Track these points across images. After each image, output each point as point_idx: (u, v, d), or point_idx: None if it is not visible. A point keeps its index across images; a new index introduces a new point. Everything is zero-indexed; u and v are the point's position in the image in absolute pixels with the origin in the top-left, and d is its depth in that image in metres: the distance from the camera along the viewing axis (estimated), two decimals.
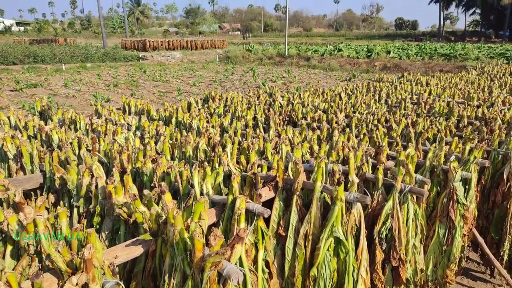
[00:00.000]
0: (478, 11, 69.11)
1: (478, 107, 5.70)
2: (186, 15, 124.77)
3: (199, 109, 5.73)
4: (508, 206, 3.62)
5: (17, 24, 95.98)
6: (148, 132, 4.24)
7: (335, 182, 2.58)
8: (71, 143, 3.56)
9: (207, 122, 4.79)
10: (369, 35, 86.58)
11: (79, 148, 3.53)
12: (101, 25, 40.70)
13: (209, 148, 3.47)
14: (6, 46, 29.62)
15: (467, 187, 3.27)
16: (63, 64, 23.50)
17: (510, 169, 3.62)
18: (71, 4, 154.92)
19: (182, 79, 19.27)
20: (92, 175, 2.63)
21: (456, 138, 3.67)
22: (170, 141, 3.68)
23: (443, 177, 3.24)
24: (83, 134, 4.29)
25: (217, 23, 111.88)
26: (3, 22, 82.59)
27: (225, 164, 2.88)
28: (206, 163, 2.81)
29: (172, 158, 3.44)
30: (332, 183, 2.88)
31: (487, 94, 6.60)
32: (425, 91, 6.93)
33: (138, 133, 4.36)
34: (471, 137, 3.86)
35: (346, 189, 2.68)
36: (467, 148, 3.42)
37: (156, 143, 3.80)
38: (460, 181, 3.16)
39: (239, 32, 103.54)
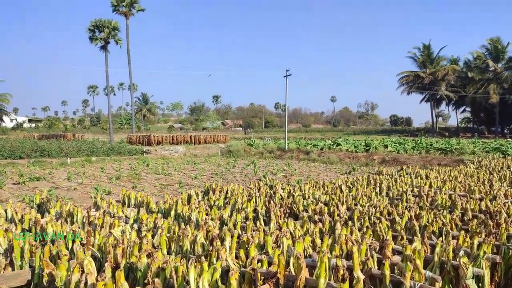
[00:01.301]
0: (468, 109, 72.84)
1: (480, 200, 5.64)
2: (191, 112, 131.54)
3: (199, 201, 5.68)
4: None
5: (29, 121, 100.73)
6: (146, 225, 4.15)
7: (339, 279, 2.44)
8: (65, 236, 3.46)
9: (207, 214, 4.71)
10: (366, 130, 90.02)
11: (73, 242, 3.41)
12: (109, 121, 42.65)
13: (207, 242, 3.36)
14: (15, 141, 30.67)
15: (480, 285, 3.07)
16: (68, 158, 24.02)
17: None
18: (83, 103, 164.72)
19: (184, 172, 19.50)
20: (83, 271, 2.50)
21: (462, 232, 3.57)
22: (168, 234, 3.57)
23: (454, 273, 3.06)
24: (79, 227, 4.19)
25: (220, 120, 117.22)
26: (16, 119, 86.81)
27: (223, 259, 2.75)
28: (203, 258, 2.68)
29: (169, 252, 3.30)
30: (337, 280, 2.71)
31: (488, 187, 6.60)
32: (425, 184, 6.94)
33: (135, 226, 4.26)
34: (478, 230, 3.75)
35: (351, 287, 2.51)
36: (475, 242, 3.30)
37: (153, 236, 3.69)
38: (473, 278, 2.98)
39: (241, 128, 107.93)
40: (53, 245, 3.05)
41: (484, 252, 3.19)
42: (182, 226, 3.94)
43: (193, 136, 41.37)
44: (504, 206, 4.97)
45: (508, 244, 3.63)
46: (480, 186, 6.60)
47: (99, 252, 3.15)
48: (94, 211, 5.17)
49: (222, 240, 3.34)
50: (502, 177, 7.92)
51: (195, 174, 18.20)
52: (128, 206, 5.67)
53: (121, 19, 45.20)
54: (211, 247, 3.09)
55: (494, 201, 5.30)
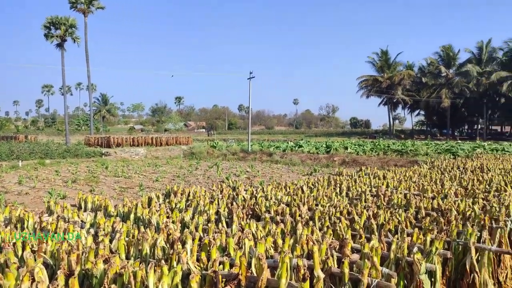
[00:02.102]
0: (422, 112, 76.54)
1: (433, 198, 5.93)
2: (153, 114, 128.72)
3: (160, 204, 5.56)
4: None
5: None
6: (103, 229, 4.00)
7: (300, 279, 2.46)
8: (14, 243, 3.26)
9: (168, 217, 4.62)
10: (327, 132, 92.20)
11: (23, 249, 3.22)
12: (66, 122, 40.84)
13: (168, 245, 3.29)
14: None
15: (433, 279, 3.22)
16: (20, 161, 22.74)
17: (472, 259, 3.65)
18: (36, 103, 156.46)
19: (145, 174, 19.05)
20: (34, 280, 2.36)
21: (416, 229, 3.73)
22: (127, 239, 3.46)
23: (408, 269, 3.19)
24: (30, 234, 3.97)
25: (183, 121, 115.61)
26: None
27: (184, 262, 2.70)
28: (163, 262, 2.62)
29: (128, 257, 3.20)
30: (298, 280, 2.74)
31: (440, 186, 6.94)
32: (383, 184, 7.19)
33: (92, 230, 4.09)
34: (430, 228, 3.94)
35: (312, 286, 2.55)
36: (428, 239, 3.45)
37: (111, 241, 3.56)
38: (426, 273, 3.12)
39: (204, 130, 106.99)
40: (0, 253, 2.87)
41: (436, 248, 3.34)
42: (142, 229, 3.84)
43: (155, 138, 40.50)
44: (454, 204, 5.25)
45: (458, 240, 3.83)
46: (432, 185, 6.94)
47: (51, 259, 3.00)
48: (47, 216, 4.92)
49: (183, 243, 3.28)
50: (453, 176, 8.37)
51: (156, 176, 17.82)
52: (85, 210, 5.45)
53: (79, 16, 43.37)
54: (172, 251, 3.03)
55: (445, 200, 5.59)
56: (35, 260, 2.73)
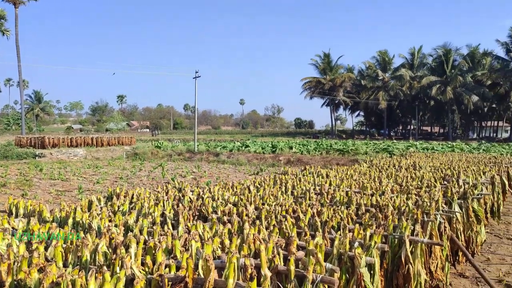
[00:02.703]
0: (362, 113, 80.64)
1: (372, 195, 6.26)
2: (93, 113, 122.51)
3: (101, 208, 5.31)
4: None
5: None
6: (38, 236, 3.73)
7: (247, 278, 2.48)
8: None
9: (110, 221, 4.42)
10: (273, 132, 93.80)
11: None
12: None
13: (110, 250, 3.15)
14: None
15: (372, 272, 3.40)
16: None
17: (406, 251, 3.91)
18: None
19: (85, 176, 18.09)
20: None
21: (357, 225, 3.92)
22: (64, 245, 3.26)
23: (350, 263, 3.34)
24: None
25: (125, 121, 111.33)
26: None
27: (127, 267, 2.61)
28: (105, 268, 2.51)
29: (66, 265, 3.02)
30: (245, 279, 2.76)
31: (378, 184, 7.35)
32: (326, 182, 7.46)
33: (25, 238, 3.80)
34: (369, 223, 4.16)
35: (259, 284, 2.58)
36: (368, 234, 3.64)
37: (46, 248, 3.33)
38: (366, 266, 3.29)
39: (148, 130, 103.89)
40: None
41: (375, 242, 3.54)
42: (82, 235, 3.64)
43: (95, 138, 38.59)
44: (391, 200, 5.59)
45: (394, 233, 4.08)
46: (371, 183, 7.33)
47: None
48: None
49: (127, 247, 3.16)
50: (389, 174, 8.91)
51: (97, 178, 17.01)
52: (16, 217, 5.04)
53: (10, 7, 40.24)
54: (115, 256, 2.91)
55: (383, 196, 5.93)
56: None
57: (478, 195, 6.78)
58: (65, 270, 2.68)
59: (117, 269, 2.70)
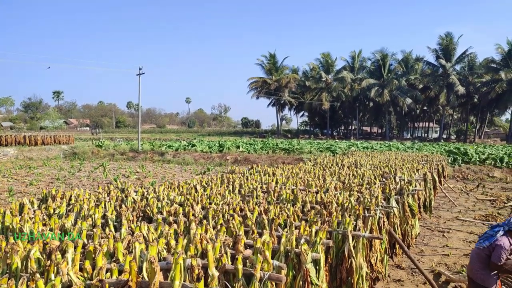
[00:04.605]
0: (306, 113, 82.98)
1: (316, 193, 6.44)
2: (25, 109, 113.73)
3: (34, 211, 4.92)
4: (353, 282, 3.97)
5: None
6: None
7: (194, 279, 2.42)
8: None
9: (44, 225, 4.11)
10: (220, 132, 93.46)
11: None
12: None
13: (45, 256, 2.92)
14: None
15: (317, 267, 3.48)
16: None
17: (349, 246, 4.06)
18: None
19: (16, 178, 16.76)
20: None
21: (303, 222, 3.99)
22: None
23: (296, 260, 3.40)
24: None
25: (63, 118, 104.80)
26: None
27: (64, 273, 2.43)
28: (38, 275, 2.32)
29: None
30: (192, 280, 2.70)
31: (322, 182, 7.58)
32: (272, 181, 7.56)
33: None
34: (315, 220, 4.26)
35: (206, 285, 2.53)
36: (313, 230, 3.73)
37: None
38: (312, 262, 3.36)
39: (88, 128, 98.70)
40: None
41: (320, 238, 3.63)
42: (12, 240, 3.34)
43: (28, 136, 35.90)
44: (335, 197, 5.79)
45: (338, 229, 4.22)
46: (316, 180, 7.54)
47: None
48: None
49: (64, 252, 2.95)
50: (333, 172, 9.23)
51: (30, 180, 15.83)
52: None
53: None
54: (49, 262, 2.70)
55: (327, 193, 6.12)
56: None
57: (412, 191, 7.24)
58: None
59: (52, 276, 2.51)
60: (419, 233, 8.35)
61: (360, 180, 7.91)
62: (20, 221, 4.11)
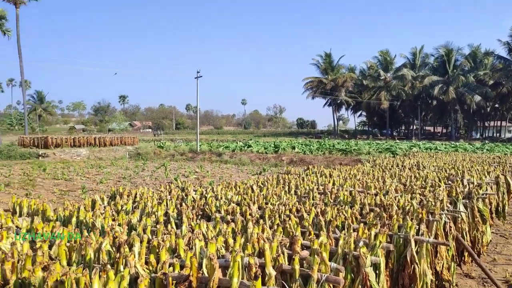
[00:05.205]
0: (364, 113, 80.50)
1: (375, 195, 6.23)
2: (95, 113, 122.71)
3: (104, 207, 5.30)
4: None
5: None
6: (42, 235, 3.72)
7: (252, 277, 2.46)
8: None
9: (113, 220, 4.41)
10: (275, 132, 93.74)
11: None
12: None
13: (114, 249, 3.14)
14: None
15: (377, 272, 3.37)
16: None
17: (412, 251, 3.88)
18: None
19: (88, 176, 18.12)
20: None
21: (361, 225, 3.89)
22: (68, 244, 3.25)
23: (355, 263, 3.32)
24: None
25: (128, 121, 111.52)
26: None
27: (131, 266, 2.59)
28: (109, 266, 2.49)
29: (70, 263, 3.01)
30: (249, 278, 2.74)
31: (382, 183, 7.32)
32: (329, 182, 7.43)
33: (28, 237, 3.79)
34: (374, 223, 4.13)
35: (263, 284, 2.56)
36: (372, 233, 3.61)
37: (50, 247, 3.32)
38: (371, 266, 3.27)
39: (150, 130, 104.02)
40: None
41: (380, 242, 3.51)
42: (85, 233, 3.63)
43: (98, 138, 38.61)
44: (395, 199, 5.56)
45: (399, 233, 4.05)
46: (375, 182, 7.30)
47: None
48: None
49: (131, 246, 3.15)
50: (393, 174, 8.87)
51: (100, 178, 17.03)
52: (20, 216, 5.05)
53: (10, 7, 40.26)
54: (118, 254, 2.89)
55: (387, 196, 5.90)
56: None
57: (483, 194, 6.74)
58: (69, 269, 2.66)
59: (121, 267, 2.69)
60: (491, 241, 7.74)
61: (423, 183, 7.52)
62: (92, 216, 4.44)
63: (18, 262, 2.66)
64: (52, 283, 2.35)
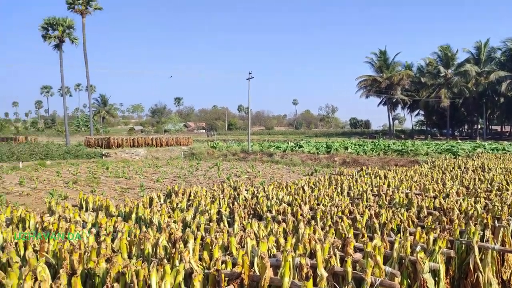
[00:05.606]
0: (422, 112, 76.58)
1: (434, 198, 5.91)
2: (152, 115, 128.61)
3: (161, 204, 5.55)
4: None
5: None
6: (105, 229, 3.98)
7: (303, 277, 2.45)
8: (16, 243, 3.25)
9: (169, 217, 4.61)
10: (327, 133, 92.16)
11: (25, 248, 3.21)
12: (65, 123, 40.86)
13: (170, 244, 3.28)
14: None
15: (436, 279, 3.20)
16: (20, 162, 22.72)
17: (475, 259, 3.63)
18: (36, 104, 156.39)
19: (146, 175, 19.03)
20: (36, 279, 2.35)
21: (419, 228, 3.71)
22: (128, 238, 3.45)
23: (411, 268, 3.18)
24: (32, 233, 3.95)
25: (183, 122, 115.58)
26: None
27: (186, 261, 2.69)
28: (165, 261, 2.61)
29: (130, 257, 3.19)
30: (301, 278, 2.73)
31: (441, 186, 6.93)
32: (384, 183, 7.18)
33: (94, 230, 4.08)
34: (433, 227, 3.92)
35: (315, 284, 2.53)
36: (431, 238, 3.44)
37: (113, 240, 3.54)
38: (429, 272, 3.11)
39: (203, 131, 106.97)
40: (3, 252, 2.86)
41: (439, 247, 3.33)
42: (144, 229, 3.83)
43: (155, 138, 40.46)
44: (456, 203, 5.24)
45: (461, 239, 3.82)
46: (434, 184, 6.92)
47: (53, 258, 2.98)
48: (48, 216, 4.90)
49: (185, 243, 3.27)
50: (454, 176, 8.36)
51: (157, 177, 17.81)
52: (86, 210, 5.44)
53: (77, 17, 43.39)
54: (174, 250, 3.02)
55: (447, 199, 5.57)
56: (37, 259, 2.72)
57: None
58: (130, 261, 2.83)
59: (177, 262, 2.80)
60: None
61: (489, 186, 7.01)
62: (150, 212, 4.67)
63: (84, 253, 2.87)
64: (114, 274, 2.51)
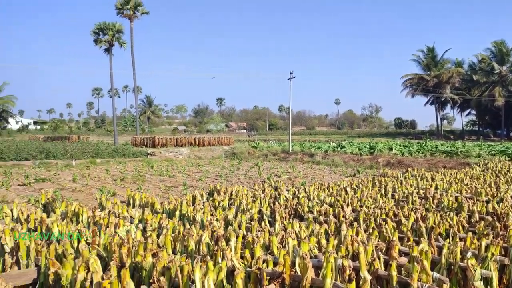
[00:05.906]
0: (473, 111, 72.52)
1: (487, 202, 5.59)
2: (195, 115, 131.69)
3: (203, 202, 5.68)
4: None
5: (35, 123, 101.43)
6: (151, 225, 4.14)
7: (345, 279, 2.42)
8: (70, 236, 3.46)
9: (211, 215, 4.70)
10: (370, 133, 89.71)
11: (79, 241, 3.41)
12: (114, 123, 42.83)
13: (212, 242, 3.35)
14: (21, 143, 30.90)
15: (488, 287, 3.03)
16: (73, 160, 24.11)
17: None
18: (88, 105, 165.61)
19: (189, 174, 19.51)
20: (88, 270, 2.49)
21: (470, 234, 3.53)
22: (173, 234, 3.57)
23: (461, 275, 3.03)
24: (85, 227, 4.19)
25: (224, 122, 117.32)
26: (21, 121, 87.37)
27: (228, 259, 2.74)
28: (208, 258, 2.67)
29: (174, 252, 3.30)
30: (343, 280, 2.69)
31: (495, 190, 6.54)
32: (431, 186, 6.89)
33: (140, 226, 4.25)
34: (485, 232, 3.71)
35: (358, 287, 2.49)
36: (483, 244, 3.26)
37: (158, 236, 3.68)
38: (481, 280, 2.95)
39: (245, 131, 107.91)
40: (58, 244, 3.06)
41: (492, 254, 3.15)
42: (187, 226, 3.94)
43: (197, 138, 41.40)
44: None
45: None
46: (486, 188, 6.55)
47: (104, 251, 3.15)
48: (99, 211, 5.18)
49: (227, 240, 3.33)
50: (509, 179, 7.86)
51: (199, 176, 18.21)
52: (133, 207, 5.68)
53: (125, 21, 45.37)
54: (216, 247, 3.08)
55: (501, 203, 5.25)
56: (89, 251, 2.88)
57: None
58: (174, 257, 2.92)
59: (219, 259, 2.86)
60: None
61: None
62: (193, 210, 4.79)
63: (132, 247, 3.00)
64: (160, 268, 2.61)
